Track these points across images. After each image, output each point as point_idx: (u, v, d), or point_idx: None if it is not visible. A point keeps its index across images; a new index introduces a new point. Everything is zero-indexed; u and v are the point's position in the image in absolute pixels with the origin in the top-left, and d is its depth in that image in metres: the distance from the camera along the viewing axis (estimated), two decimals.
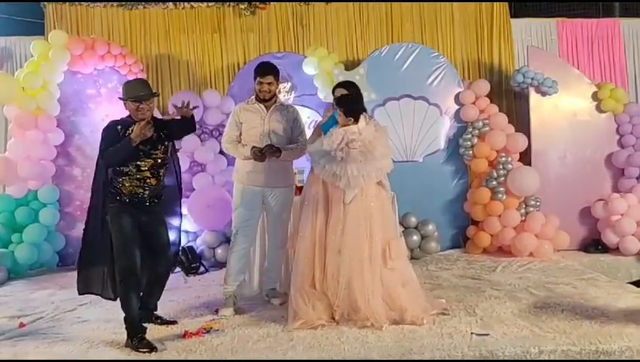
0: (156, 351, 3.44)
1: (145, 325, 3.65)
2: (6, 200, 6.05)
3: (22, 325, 4.09)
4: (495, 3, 7.20)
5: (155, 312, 3.99)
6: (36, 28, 6.83)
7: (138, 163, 3.67)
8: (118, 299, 3.62)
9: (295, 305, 3.87)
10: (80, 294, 3.80)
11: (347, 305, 3.87)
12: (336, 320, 3.86)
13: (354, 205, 3.93)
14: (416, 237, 6.08)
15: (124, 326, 3.58)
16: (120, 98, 3.75)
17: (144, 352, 3.43)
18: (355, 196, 3.93)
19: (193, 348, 3.48)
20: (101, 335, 3.77)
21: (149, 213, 3.77)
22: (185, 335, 3.71)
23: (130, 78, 6.42)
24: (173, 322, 3.98)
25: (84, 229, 3.79)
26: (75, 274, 3.84)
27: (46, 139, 6.12)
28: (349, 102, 4.05)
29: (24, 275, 5.86)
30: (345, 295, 3.87)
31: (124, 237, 3.60)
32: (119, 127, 3.66)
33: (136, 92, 3.67)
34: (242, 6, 6.99)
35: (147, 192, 3.71)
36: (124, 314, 3.55)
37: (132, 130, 3.57)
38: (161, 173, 3.79)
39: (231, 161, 6.32)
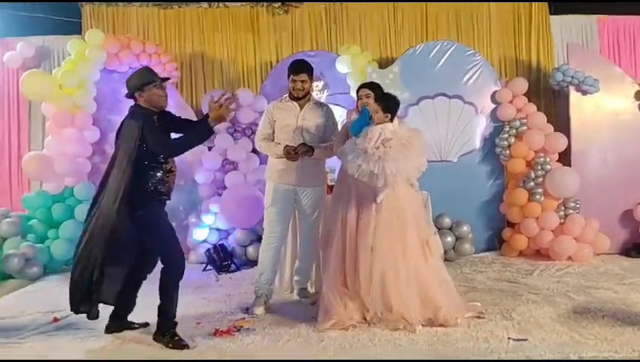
0: (188, 348, 3.43)
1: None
2: (43, 196, 6.17)
3: (55, 320, 4.13)
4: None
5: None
6: (73, 27, 6.92)
7: (175, 158, 3.67)
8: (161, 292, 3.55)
9: (327, 303, 3.83)
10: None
11: (380, 303, 3.81)
12: (367, 320, 3.80)
13: (385, 204, 3.88)
14: (450, 239, 5.96)
15: (154, 321, 3.59)
16: (135, 88, 3.57)
17: (178, 348, 3.42)
18: (386, 195, 3.86)
19: (224, 346, 3.47)
20: (133, 332, 3.77)
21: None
22: (215, 333, 3.70)
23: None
24: (146, 324, 3.85)
25: (100, 231, 3.49)
26: None
27: (82, 136, 6.21)
28: (388, 99, 4.02)
29: (59, 271, 5.95)
30: (378, 293, 3.82)
31: (174, 236, 3.60)
32: (155, 117, 3.57)
33: (155, 75, 3.64)
34: (276, 5, 6.97)
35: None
36: (164, 310, 3.52)
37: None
38: None
39: (263, 160, 6.31)
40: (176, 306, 3.56)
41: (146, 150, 3.47)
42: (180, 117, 3.88)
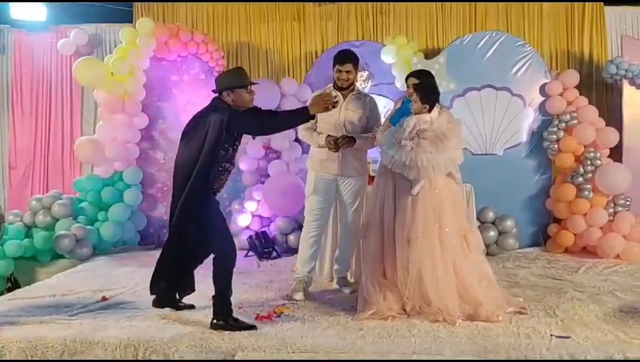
0: (255, 329, 3.52)
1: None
2: (93, 179, 6.38)
3: (104, 298, 4.28)
4: None
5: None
6: (125, 15, 7.11)
7: (233, 161, 3.76)
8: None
9: (366, 294, 3.83)
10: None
11: (418, 296, 3.78)
12: (407, 312, 3.79)
13: (422, 196, 3.84)
14: (493, 233, 5.87)
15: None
16: (226, 88, 3.64)
17: (247, 329, 3.50)
18: (423, 187, 3.83)
19: (264, 330, 3.52)
20: (178, 313, 3.88)
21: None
22: (256, 317, 3.77)
23: (213, 65, 6.60)
24: (191, 306, 3.94)
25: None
26: (157, 254, 3.96)
27: (132, 122, 6.39)
28: (426, 88, 3.95)
29: (108, 252, 6.16)
30: (415, 286, 3.79)
31: (224, 227, 3.72)
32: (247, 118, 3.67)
33: (247, 79, 3.72)
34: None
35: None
36: (219, 299, 3.60)
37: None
38: None
39: (305, 149, 6.35)
40: (230, 294, 3.64)
41: (219, 147, 3.54)
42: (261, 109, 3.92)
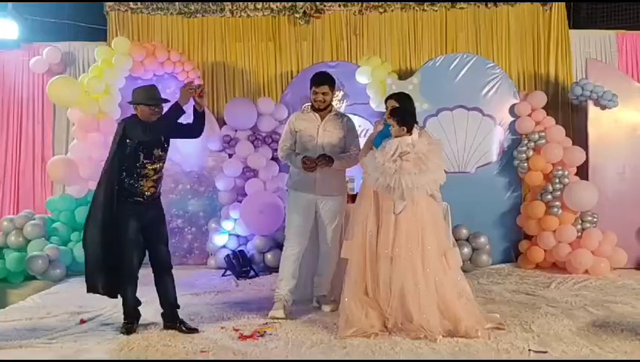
0: (129, 334, 3.84)
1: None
2: (67, 199, 6.28)
3: (82, 321, 4.22)
4: (553, 15, 7.05)
5: (179, 317, 4.04)
6: (99, 34, 7.07)
7: (155, 166, 3.93)
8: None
9: (348, 312, 3.87)
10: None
11: (400, 313, 3.85)
12: (388, 329, 3.85)
13: (404, 215, 3.93)
14: (467, 250, 5.98)
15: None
16: (135, 102, 3.93)
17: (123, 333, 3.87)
18: (406, 206, 3.92)
19: (249, 350, 3.53)
20: (159, 334, 3.86)
21: (154, 208, 4.04)
22: (240, 337, 3.78)
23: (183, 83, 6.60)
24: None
25: (101, 224, 3.89)
26: None
27: (107, 141, 6.28)
28: (402, 113, 4.06)
29: (82, 273, 6.02)
30: (397, 304, 3.86)
31: (127, 239, 3.89)
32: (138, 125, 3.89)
33: (157, 97, 3.96)
34: (297, 15, 7.07)
35: (157, 190, 4.03)
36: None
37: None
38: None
39: (283, 168, 6.41)
40: (127, 299, 3.97)
41: (124, 153, 3.85)
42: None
